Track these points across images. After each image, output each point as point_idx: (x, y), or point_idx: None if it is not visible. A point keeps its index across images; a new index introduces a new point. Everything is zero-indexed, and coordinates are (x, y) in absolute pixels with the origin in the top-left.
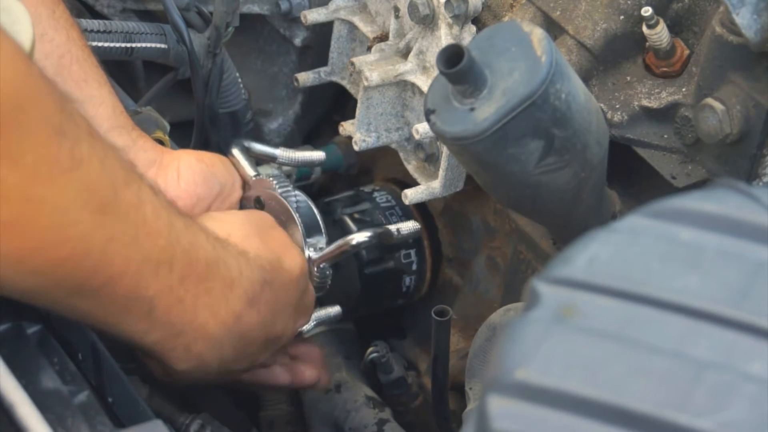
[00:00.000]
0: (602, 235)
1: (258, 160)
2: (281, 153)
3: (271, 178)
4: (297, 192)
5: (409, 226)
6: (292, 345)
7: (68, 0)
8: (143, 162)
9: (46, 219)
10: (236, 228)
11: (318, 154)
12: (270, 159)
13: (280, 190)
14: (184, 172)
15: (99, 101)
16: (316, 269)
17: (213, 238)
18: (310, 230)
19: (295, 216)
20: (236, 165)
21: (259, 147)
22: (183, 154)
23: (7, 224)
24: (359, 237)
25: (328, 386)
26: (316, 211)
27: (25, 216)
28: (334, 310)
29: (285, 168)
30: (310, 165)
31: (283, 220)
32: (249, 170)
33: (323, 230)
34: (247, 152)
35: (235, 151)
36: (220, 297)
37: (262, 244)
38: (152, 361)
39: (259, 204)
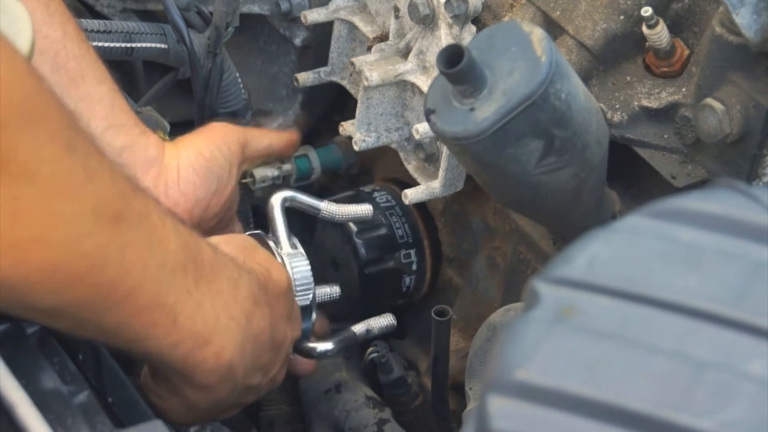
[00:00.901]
0: (602, 235)
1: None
2: (325, 207)
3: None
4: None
5: (381, 323)
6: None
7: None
8: (143, 161)
9: (64, 233)
10: (222, 243)
11: (365, 208)
12: (314, 212)
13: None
14: (184, 172)
15: (96, 98)
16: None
17: (208, 242)
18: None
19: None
20: (272, 222)
21: (304, 199)
22: (183, 150)
23: (27, 242)
24: (322, 347)
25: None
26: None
27: (44, 232)
28: (334, 289)
29: (285, 167)
30: (357, 219)
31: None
32: (283, 238)
33: (312, 318)
34: (291, 202)
35: (277, 212)
36: (230, 298)
37: (248, 257)
38: (172, 395)
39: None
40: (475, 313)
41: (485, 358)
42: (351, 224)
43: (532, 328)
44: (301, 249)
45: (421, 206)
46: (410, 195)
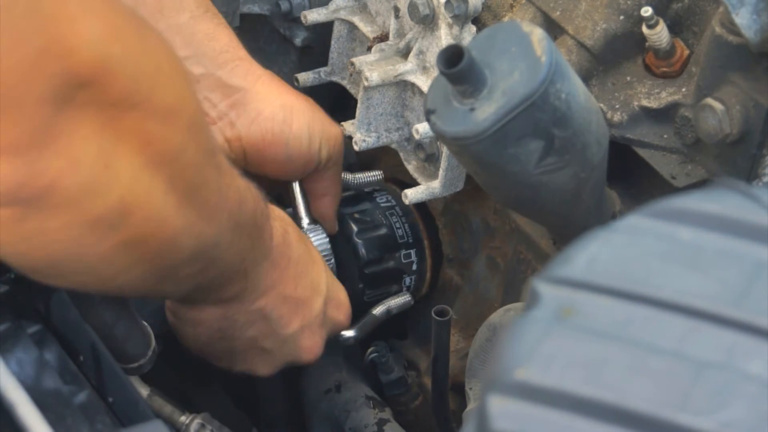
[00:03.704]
0: (602, 235)
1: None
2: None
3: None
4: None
5: (398, 302)
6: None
7: None
8: (224, 90)
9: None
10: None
11: (376, 173)
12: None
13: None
14: (264, 123)
15: (176, 30)
16: None
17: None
18: None
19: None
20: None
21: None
22: (264, 95)
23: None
24: (346, 333)
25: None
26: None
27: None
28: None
29: None
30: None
31: None
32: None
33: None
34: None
35: (297, 190)
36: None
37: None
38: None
39: None
40: (475, 313)
41: (485, 358)
42: (351, 224)
43: (532, 328)
44: (320, 225)
45: (422, 206)
46: (410, 195)
